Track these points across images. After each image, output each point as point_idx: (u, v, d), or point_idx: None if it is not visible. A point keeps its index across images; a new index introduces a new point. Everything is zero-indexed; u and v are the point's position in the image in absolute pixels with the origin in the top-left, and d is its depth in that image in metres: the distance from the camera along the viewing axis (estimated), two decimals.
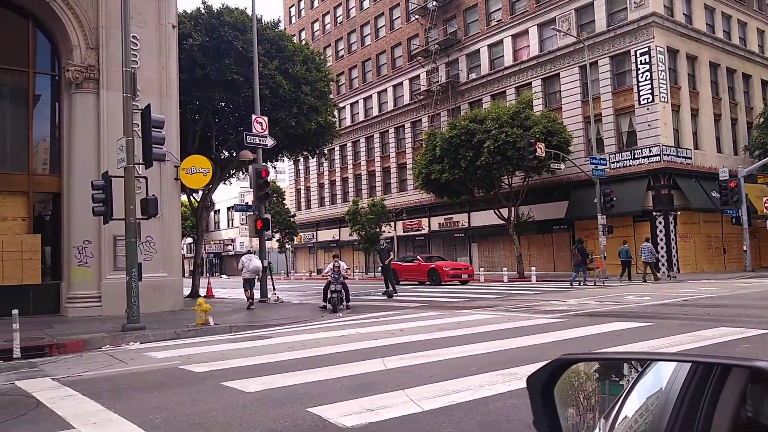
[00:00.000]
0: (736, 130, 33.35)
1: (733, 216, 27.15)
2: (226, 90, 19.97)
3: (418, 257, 29.84)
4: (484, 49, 37.49)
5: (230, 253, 63.54)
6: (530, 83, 34.38)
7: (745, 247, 26.56)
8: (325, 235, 51.56)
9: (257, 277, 16.59)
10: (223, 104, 22.02)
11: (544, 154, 25.59)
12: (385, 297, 18.43)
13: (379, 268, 40.32)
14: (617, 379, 1.06)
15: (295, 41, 25.61)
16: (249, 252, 17.26)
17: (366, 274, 44.76)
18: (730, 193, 25.90)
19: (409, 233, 42.20)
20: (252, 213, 19.34)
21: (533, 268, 26.56)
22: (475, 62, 38.34)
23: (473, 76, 38.23)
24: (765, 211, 26.63)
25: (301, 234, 52.68)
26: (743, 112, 33.83)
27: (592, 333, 8.63)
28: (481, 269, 30.92)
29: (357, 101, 48.83)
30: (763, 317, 9.96)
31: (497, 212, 30.53)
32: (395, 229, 41.24)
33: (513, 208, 29.90)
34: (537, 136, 26.25)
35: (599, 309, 12.28)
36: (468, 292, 20.15)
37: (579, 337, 8.31)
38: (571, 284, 21.76)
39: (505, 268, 29.23)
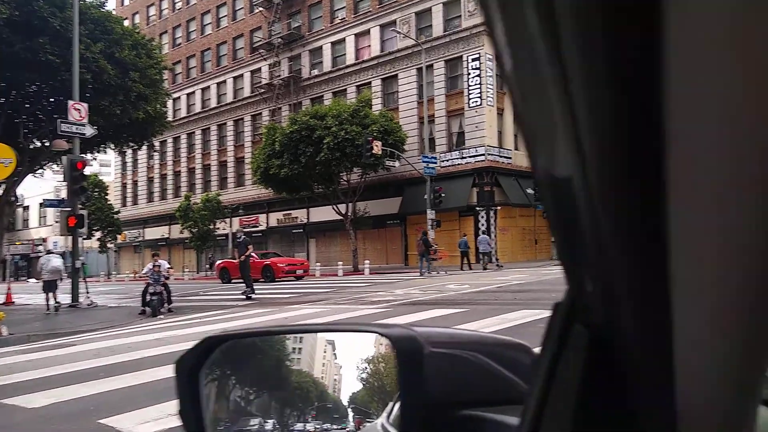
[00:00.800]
0: None
1: (544, 211, 30.30)
2: (39, 72, 17.88)
3: (253, 254, 29.11)
4: (327, 46, 37.73)
5: (40, 254, 56.85)
6: (370, 82, 35.31)
7: (552, 238, 29.78)
8: (154, 233, 48.44)
9: (59, 279, 15.13)
10: (35, 87, 19.70)
11: (380, 152, 26.46)
12: (244, 298, 16.20)
13: (207, 265, 38.70)
14: None
15: (126, 24, 23.75)
16: (49, 252, 15.77)
17: (198, 273, 42.90)
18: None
19: (246, 230, 41.08)
20: (66, 208, 17.45)
21: (367, 262, 27.33)
22: (317, 58, 38.43)
23: (315, 72, 38.30)
24: None
25: (126, 232, 48.82)
26: None
27: (411, 320, 9.04)
28: (318, 264, 31.12)
29: (194, 92, 46.49)
30: (560, 300, 11.18)
31: (335, 208, 30.94)
32: (231, 226, 39.89)
33: (350, 204, 30.51)
34: (375, 134, 27.06)
35: (422, 298, 12.94)
36: (302, 288, 20.19)
37: None
38: (421, 274, 22.69)
39: (340, 263, 29.72)
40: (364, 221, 31.89)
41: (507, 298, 11.95)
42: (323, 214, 34.73)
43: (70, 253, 16.87)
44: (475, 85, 30.60)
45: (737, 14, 0.21)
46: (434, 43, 32.20)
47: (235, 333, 1.00)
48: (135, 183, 51.60)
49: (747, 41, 0.21)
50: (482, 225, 29.79)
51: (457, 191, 29.77)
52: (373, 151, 26.19)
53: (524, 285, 15.31)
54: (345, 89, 36.38)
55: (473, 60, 30.78)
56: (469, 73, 30.91)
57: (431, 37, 32.46)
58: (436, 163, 28.22)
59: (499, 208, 30.14)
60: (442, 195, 26.98)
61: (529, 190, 30.45)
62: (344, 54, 36.91)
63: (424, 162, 27.35)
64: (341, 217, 30.96)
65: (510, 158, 31.78)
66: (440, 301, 12.24)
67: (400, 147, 29.49)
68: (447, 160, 31.23)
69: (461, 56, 31.50)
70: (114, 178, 54.20)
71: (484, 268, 24.70)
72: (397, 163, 28.94)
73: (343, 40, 36.96)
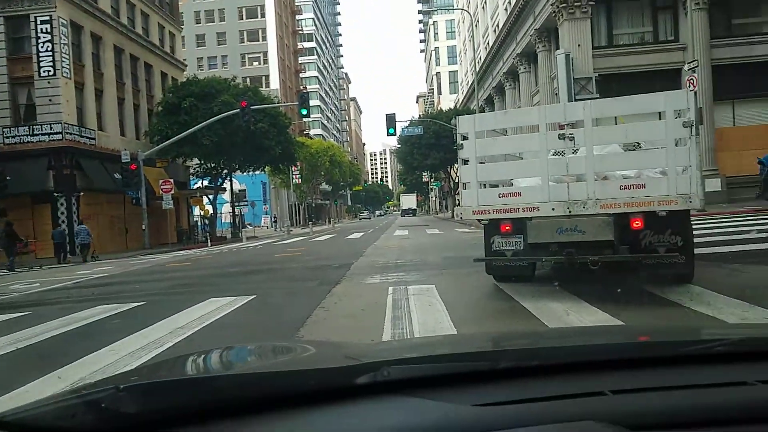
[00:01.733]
0: (138, 115, 35.34)
1: (134, 197, 28.77)
2: None
3: None
4: None
5: None
6: None
7: (144, 227, 28.53)
8: None
9: None
10: None
11: None
12: None
13: None
14: None
15: None
16: None
17: None
18: (131, 176, 27.27)
19: None
20: None
21: None
22: None
23: None
24: (161, 192, 29.31)
25: None
26: (145, 99, 36.16)
27: None
28: None
29: None
30: (142, 291, 10.70)
31: None
32: None
33: None
34: None
35: None
36: None
37: None
38: (11, 270, 20.13)
39: None
40: None
41: (83, 294, 10.84)
42: None
43: None
44: (47, 51, 26.69)
45: None
46: None
47: None
48: None
49: None
50: (62, 213, 26.40)
51: (28, 174, 25.53)
52: None
53: (107, 278, 14.20)
54: None
55: (43, 22, 26.73)
56: (38, 37, 26.72)
57: None
58: None
59: (81, 194, 27.18)
60: (7, 178, 22.78)
61: (117, 175, 28.41)
62: None
63: None
64: None
65: (93, 139, 28.96)
66: None
67: None
68: (14, 137, 26.45)
69: (28, 16, 26.96)
70: None
71: (84, 260, 23.08)
72: None
73: None
